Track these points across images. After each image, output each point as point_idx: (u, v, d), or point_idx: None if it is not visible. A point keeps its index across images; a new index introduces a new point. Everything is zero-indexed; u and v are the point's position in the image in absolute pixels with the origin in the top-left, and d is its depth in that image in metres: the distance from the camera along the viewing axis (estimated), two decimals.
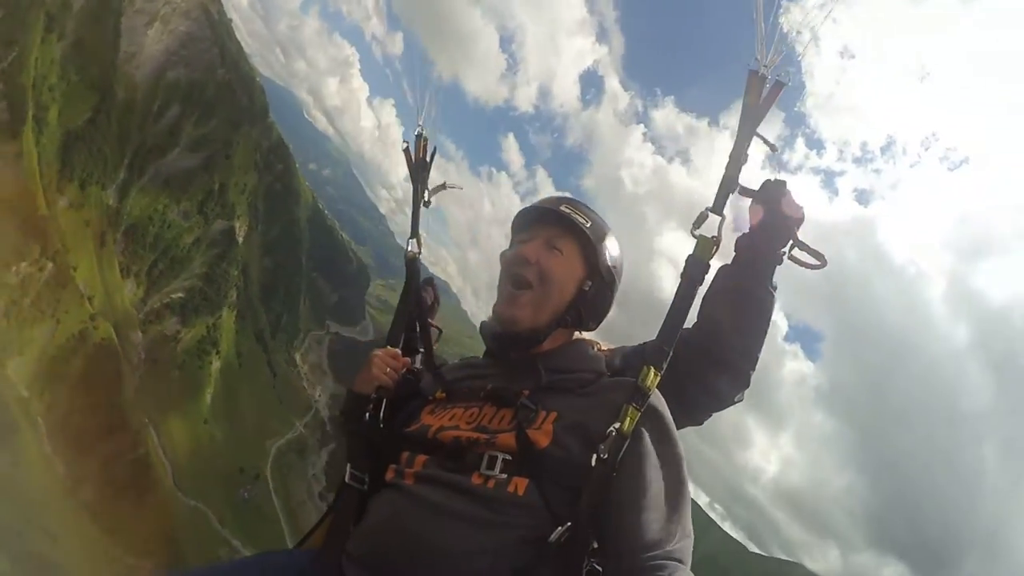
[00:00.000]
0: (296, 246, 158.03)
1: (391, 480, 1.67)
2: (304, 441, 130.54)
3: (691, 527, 1.50)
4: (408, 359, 2.03)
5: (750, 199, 1.86)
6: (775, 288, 1.83)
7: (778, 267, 1.84)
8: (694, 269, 1.74)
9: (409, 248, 2.30)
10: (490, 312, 1.96)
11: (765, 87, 1.74)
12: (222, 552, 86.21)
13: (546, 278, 1.81)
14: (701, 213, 1.77)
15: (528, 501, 1.50)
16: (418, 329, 2.26)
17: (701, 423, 1.95)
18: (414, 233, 2.31)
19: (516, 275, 1.84)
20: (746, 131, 1.75)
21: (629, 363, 1.86)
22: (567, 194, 1.92)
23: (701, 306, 1.89)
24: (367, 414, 1.89)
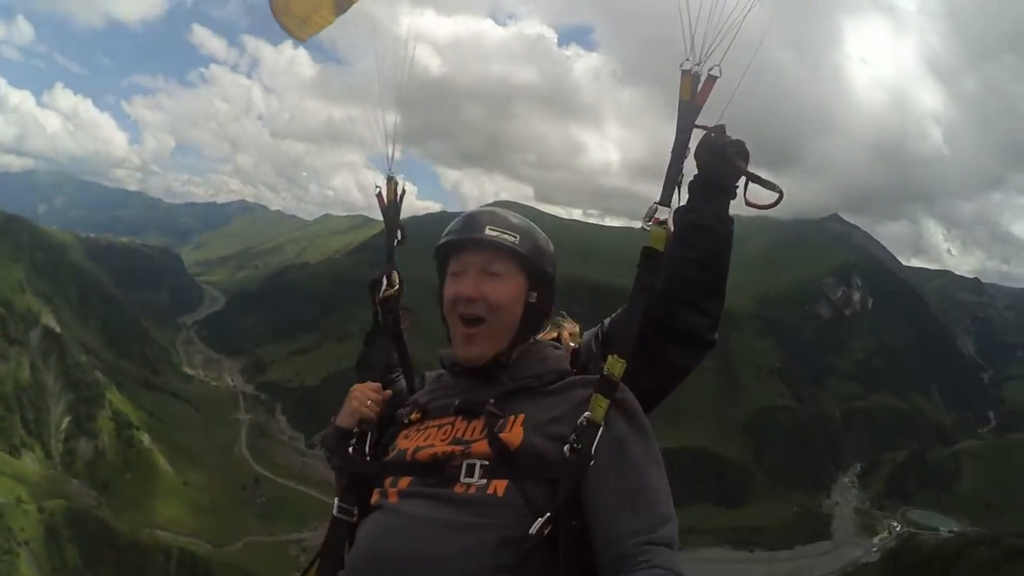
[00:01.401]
0: (99, 289, 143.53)
1: (376, 503, 1.72)
2: (257, 422, 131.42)
3: (672, 509, 1.52)
4: (389, 391, 2.04)
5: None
6: (731, 222, 1.82)
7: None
8: (651, 260, 1.74)
9: (384, 286, 2.26)
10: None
11: (698, 83, 1.77)
12: (294, 551, 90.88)
13: (495, 308, 1.80)
14: (650, 207, 1.77)
15: (508, 501, 1.54)
16: (398, 360, 2.27)
17: (675, 382, 1.91)
18: (388, 272, 2.28)
19: (465, 315, 1.82)
20: (685, 125, 1.78)
21: (590, 352, 1.95)
22: (485, 208, 2.06)
23: None
24: (351, 448, 1.90)
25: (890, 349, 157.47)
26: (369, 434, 1.93)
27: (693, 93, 1.79)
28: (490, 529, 1.51)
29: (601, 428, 1.57)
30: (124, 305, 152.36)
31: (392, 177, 2.44)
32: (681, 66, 1.80)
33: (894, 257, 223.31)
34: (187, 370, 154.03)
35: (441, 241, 1.92)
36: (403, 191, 2.44)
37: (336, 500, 1.85)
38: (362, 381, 2.15)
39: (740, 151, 1.82)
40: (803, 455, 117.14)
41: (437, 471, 1.65)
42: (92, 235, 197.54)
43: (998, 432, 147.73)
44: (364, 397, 1.97)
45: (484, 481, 1.58)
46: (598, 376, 1.69)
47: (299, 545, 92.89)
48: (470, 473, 1.60)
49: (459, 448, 1.66)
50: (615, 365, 1.64)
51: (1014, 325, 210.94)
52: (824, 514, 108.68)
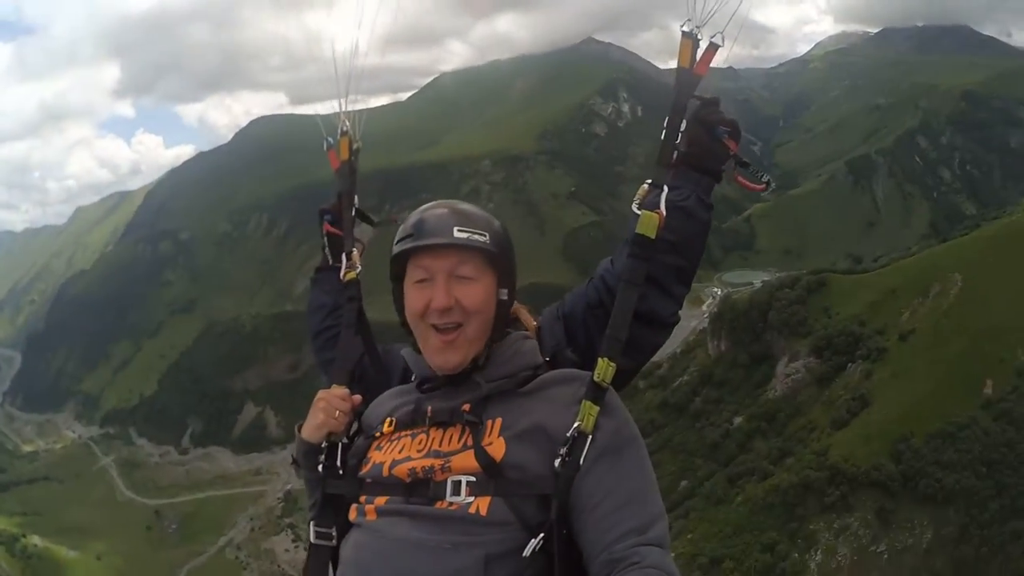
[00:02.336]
0: None
1: (354, 520, 1.62)
2: (121, 458, 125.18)
3: (662, 507, 1.47)
4: (358, 397, 1.84)
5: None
6: (712, 207, 1.71)
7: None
8: (642, 248, 1.62)
9: (344, 268, 2.06)
10: None
11: (698, 49, 1.62)
12: (231, 554, 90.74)
13: (470, 312, 1.64)
14: (642, 187, 1.66)
15: (493, 519, 1.46)
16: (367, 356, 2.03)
17: (645, 360, 1.81)
18: (347, 248, 2.07)
19: (440, 325, 1.65)
20: (683, 97, 1.63)
21: (555, 335, 1.83)
22: (440, 205, 1.67)
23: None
24: (320, 464, 1.74)
25: None
26: (340, 445, 1.78)
27: (692, 60, 1.65)
28: (477, 547, 1.43)
29: (590, 435, 1.48)
30: None
31: (347, 132, 2.15)
32: (681, 27, 1.63)
33: (652, 64, 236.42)
34: (26, 448, 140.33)
35: (403, 247, 1.66)
36: (358, 147, 2.17)
37: (311, 524, 1.73)
38: (312, 311, 2.14)
39: (733, 132, 1.68)
40: None
41: (419, 489, 1.54)
42: None
43: (779, 192, 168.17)
44: (331, 408, 1.79)
45: (470, 499, 1.49)
46: (571, 370, 1.65)
47: (232, 546, 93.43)
48: (456, 491, 1.50)
49: (438, 461, 1.55)
50: (606, 370, 1.54)
51: (770, 100, 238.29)
52: None
